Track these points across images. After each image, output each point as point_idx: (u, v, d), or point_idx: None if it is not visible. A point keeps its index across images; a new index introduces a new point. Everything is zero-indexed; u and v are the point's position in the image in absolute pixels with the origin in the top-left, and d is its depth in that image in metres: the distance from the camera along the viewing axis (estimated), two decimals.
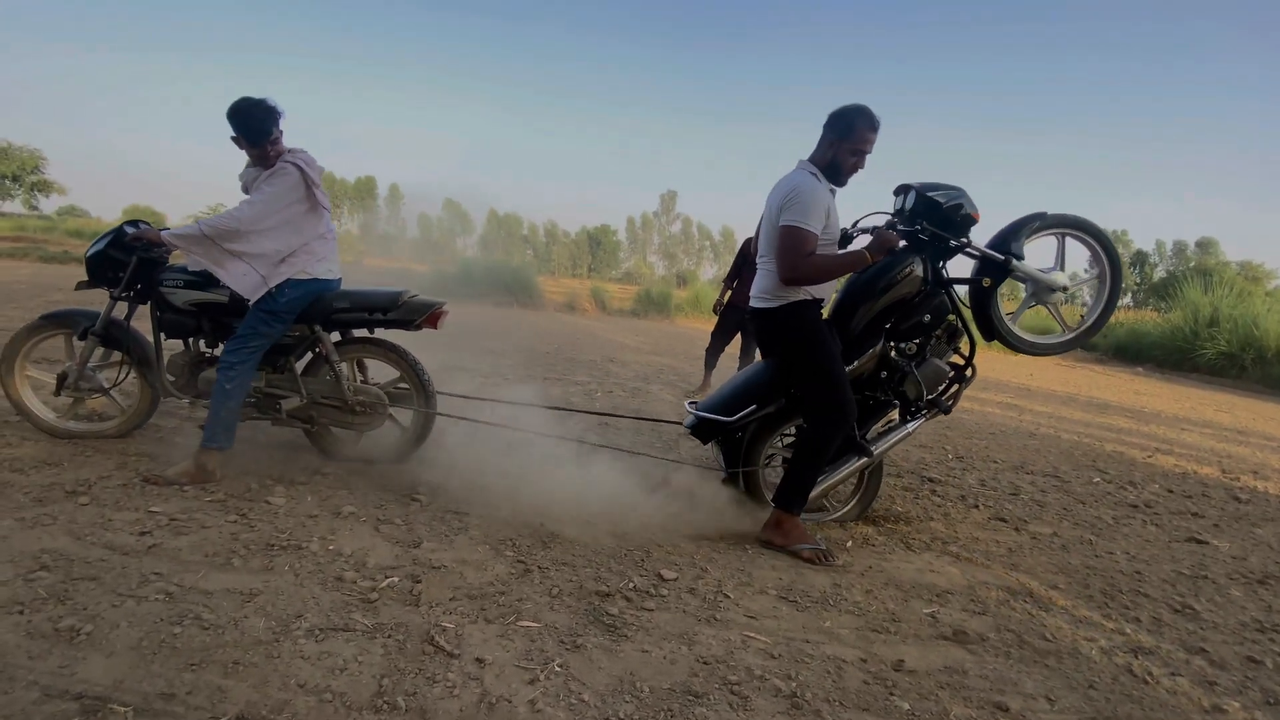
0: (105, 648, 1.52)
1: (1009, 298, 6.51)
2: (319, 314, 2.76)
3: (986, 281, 2.66)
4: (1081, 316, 2.87)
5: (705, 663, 1.71)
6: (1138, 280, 55.08)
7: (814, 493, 2.59)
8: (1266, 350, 11.49)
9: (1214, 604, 2.39)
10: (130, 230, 2.75)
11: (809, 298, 2.48)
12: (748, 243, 5.53)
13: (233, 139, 2.54)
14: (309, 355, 2.92)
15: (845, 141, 2.41)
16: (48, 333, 2.88)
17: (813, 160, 2.49)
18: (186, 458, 2.64)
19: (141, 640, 1.55)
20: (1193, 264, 45.06)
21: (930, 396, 2.72)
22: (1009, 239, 2.65)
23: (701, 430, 2.74)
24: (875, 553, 2.58)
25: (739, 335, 5.68)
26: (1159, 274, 53.29)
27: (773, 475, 2.86)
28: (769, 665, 1.73)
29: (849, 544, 2.65)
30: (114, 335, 2.84)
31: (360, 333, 2.96)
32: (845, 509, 2.88)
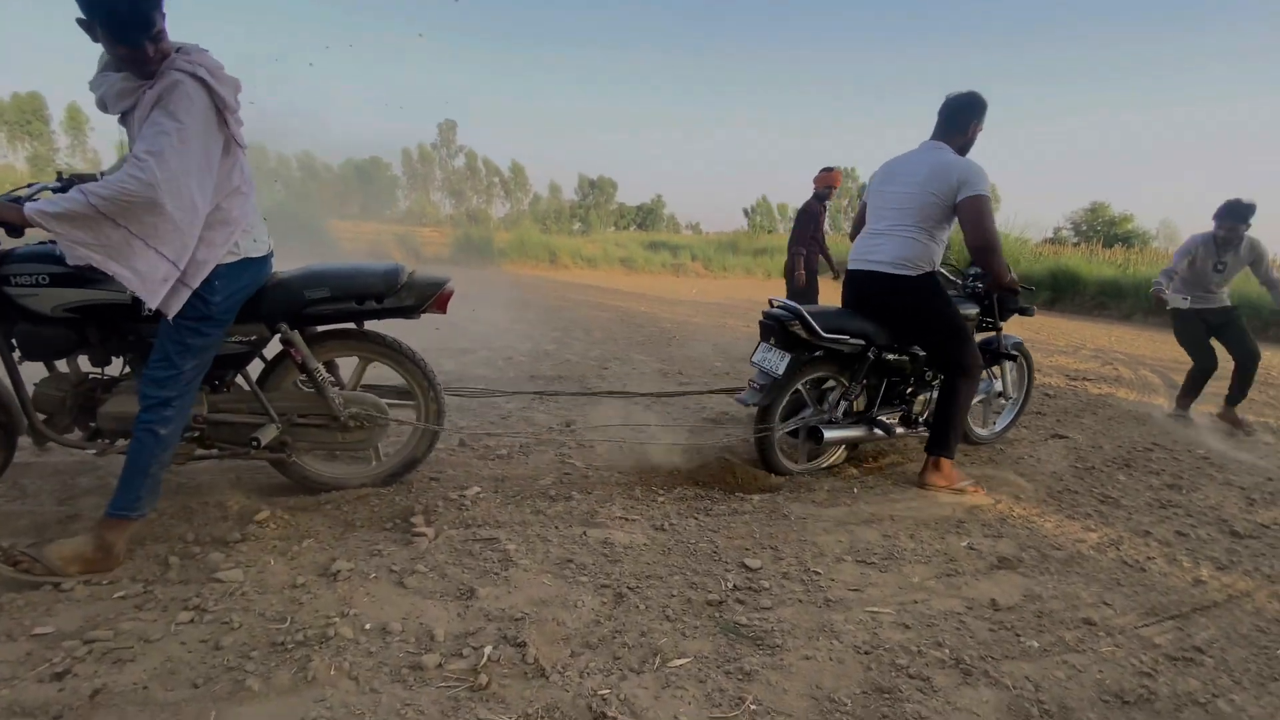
0: None
1: None
2: (282, 308, 2.02)
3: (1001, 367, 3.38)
4: (994, 421, 3.56)
5: (865, 653, 1.65)
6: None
7: (832, 437, 2.85)
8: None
9: (1120, 489, 2.97)
10: None
11: (936, 270, 2.74)
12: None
13: (81, 22, 1.56)
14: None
15: (980, 122, 2.74)
16: None
17: (948, 143, 2.72)
18: (44, 530, 1.80)
19: None
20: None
21: (923, 417, 3.09)
22: (1006, 342, 3.27)
23: (786, 329, 2.70)
24: (879, 496, 2.73)
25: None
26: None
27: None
28: (912, 638, 1.73)
29: (855, 490, 2.77)
30: None
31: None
32: (835, 456, 3.02)
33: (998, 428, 3.54)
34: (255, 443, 2.06)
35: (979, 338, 3.26)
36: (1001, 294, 3.04)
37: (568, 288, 11.79)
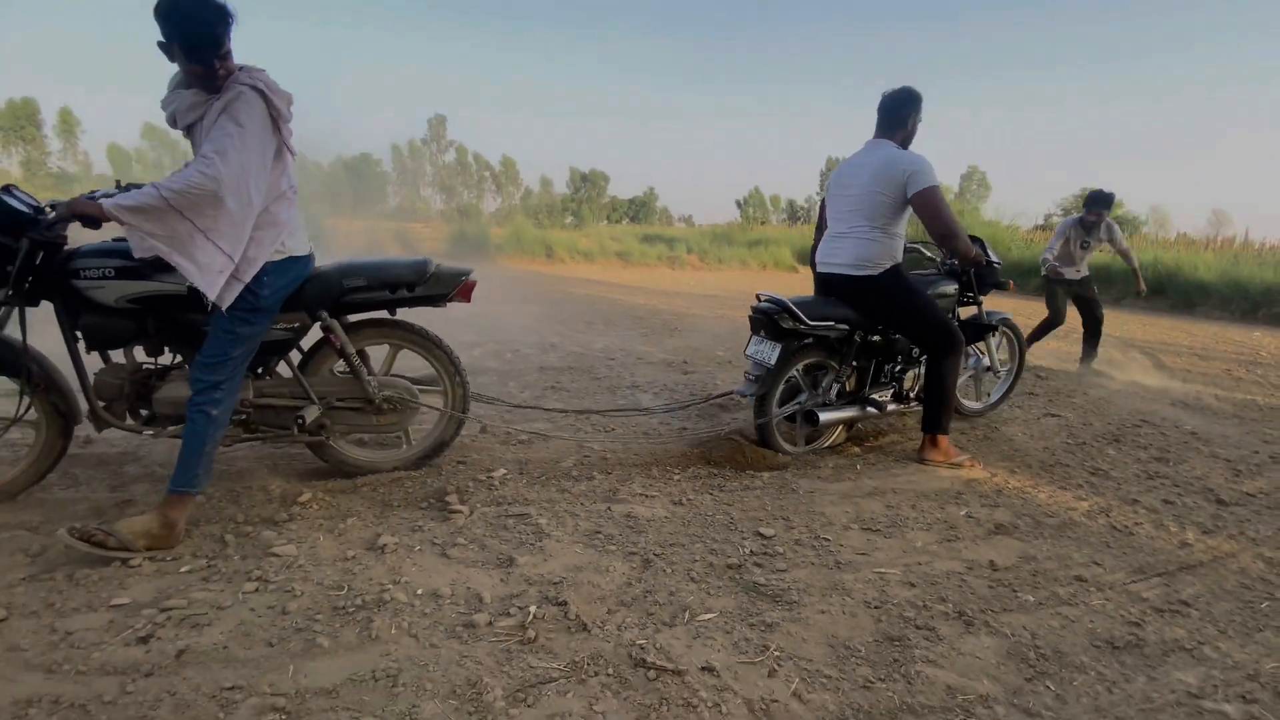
0: None
1: None
2: (322, 297, 2.18)
3: (985, 341, 3.54)
4: (988, 394, 3.77)
5: (875, 607, 1.80)
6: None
7: (827, 419, 2.96)
8: None
9: (1109, 463, 3.13)
10: (15, 198, 1.87)
11: (899, 262, 2.81)
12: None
13: (161, 45, 1.75)
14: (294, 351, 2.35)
15: (918, 114, 2.85)
16: None
17: (890, 138, 2.82)
18: (102, 514, 1.92)
19: None
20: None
21: (914, 392, 3.26)
22: (991, 317, 3.46)
23: (774, 321, 2.83)
24: (881, 471, 2.87)
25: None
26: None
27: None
28: (918, 594, 1.88)
29: (858, 466, 2.92)
30: (1, 356, 1.99)
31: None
32: (834, 436, 3.16)
33: (992, 399, 3.72)
34: (301, 421, 2.21)
35: (964, 313, 3.42)
36: (978, 270, 3.18)
37: (566, 282, 11.90)
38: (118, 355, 2.18)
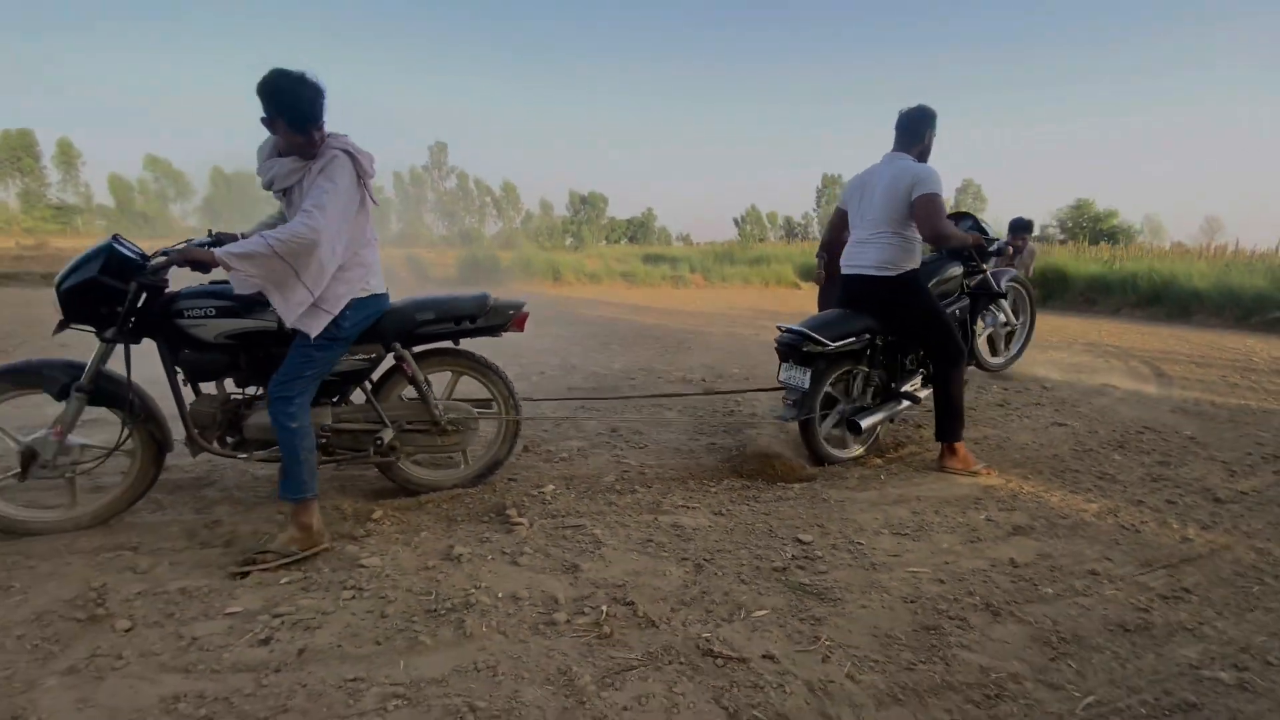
0: None
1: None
2: (396, 330, 2.41)
3: (997, 303, 3.81)
4: (1007, 348, 4.15)
5: (910, 601, 1.99)
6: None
7: (869, 424, 3.19)
8: None
9: (1115, 467, 3.33)
10: (123, 246, 2.10)
11: (918, 266, 3.01)
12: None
13: (264, 121, 2.00)
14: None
15: (933, 130, 3.09)
16: (6, 395, 2.16)
17: (908, 152, 3.02)
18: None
19: None
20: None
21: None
22: (998, 279, 3.70)
23: (799, 348, 3.02)
24: (904, 480, 3.07)
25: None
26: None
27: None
28: (947, 590, 2.07)
29: (882, 476, 3.11)
30: (108, 390, 2.19)
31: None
32: (863, 449, 3.36)
33: (1011, 353, 4.05)
34: (378, 443, 2.42)
35: (973, 281, 3.70)
36: (979, 248, 3.45)
37: (576, 304, 12.15)
38: (208, 387, 2.39)
